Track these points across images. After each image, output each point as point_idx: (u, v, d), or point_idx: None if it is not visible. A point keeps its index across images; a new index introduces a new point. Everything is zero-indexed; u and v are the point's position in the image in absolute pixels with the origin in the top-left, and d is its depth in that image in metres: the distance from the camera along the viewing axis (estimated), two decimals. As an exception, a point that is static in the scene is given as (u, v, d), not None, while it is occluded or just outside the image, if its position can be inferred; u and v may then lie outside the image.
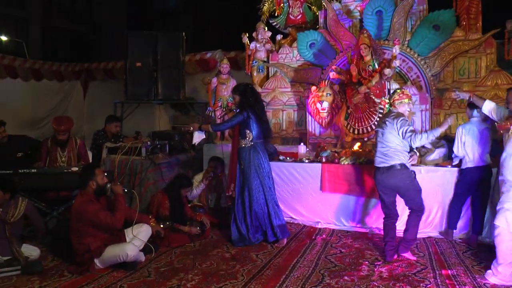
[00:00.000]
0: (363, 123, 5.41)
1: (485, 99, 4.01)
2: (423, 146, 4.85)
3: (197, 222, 4.73)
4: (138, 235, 3.93)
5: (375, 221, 4.89)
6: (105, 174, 4.06)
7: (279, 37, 7.03)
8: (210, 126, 4.68)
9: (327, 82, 5.89)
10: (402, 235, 4.14)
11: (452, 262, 3.93)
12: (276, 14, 7.18)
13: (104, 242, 3.74)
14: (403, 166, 3.91)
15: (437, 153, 4.91)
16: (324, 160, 5.22)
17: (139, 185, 5.28)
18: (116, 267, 3.75)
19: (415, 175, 4.10)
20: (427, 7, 5.97)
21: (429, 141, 3.99)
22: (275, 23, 7.21)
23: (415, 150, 4.08)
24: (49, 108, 9.88)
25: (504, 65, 5.64)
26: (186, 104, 8.96)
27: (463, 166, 4.49)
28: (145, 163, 5.35)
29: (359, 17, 6.26)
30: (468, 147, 4.38)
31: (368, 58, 5.32)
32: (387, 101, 5.21)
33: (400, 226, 4.46)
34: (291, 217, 5.33)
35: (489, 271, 3.54)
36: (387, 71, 5.20)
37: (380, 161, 4.00)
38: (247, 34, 6.65)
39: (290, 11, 6.92)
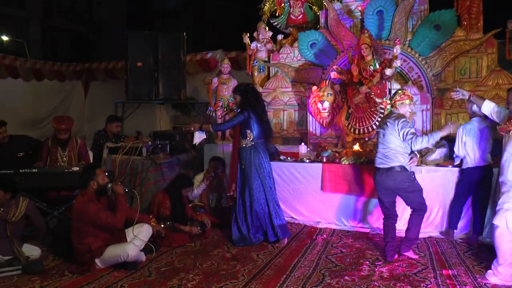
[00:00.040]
0: (364, 123, 5.41)
1: (484, 99, 3.98)
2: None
3: (198, 222, 4.73)
4: (139, 235, 3.93)
5: (376, 221, 4.88)
6: (106, 174, 4.06)
7: (280, 37, 7.03)
8: (211, 126, 4.68)
9: (328, 82, 5.89)
10: (403, 235, 4.15)
11: (453, 262, 3.93)
12: (277, 14, 7.17)
13: (105, 242, 3.74)
14: (402, 168, 3.91)
15: (438, 153, 4.91)
16: (324, 160, 5.22)
17: (140, 185, 5.28)
18: (117, 267, 3.76)
19: (415, 176, 4.10)
20: (428, 7, 5.97)
21: (429, 145, 3.99)
22: (276, 23, 7.21)
23: (415, 152, 4.07)
24: (50, 108, 9.88)
25: (505, 64, 5.63)
26: (187, 104, 8.96)
27: (464, 166, 4.49)
28: (146, 163, 5.35)
29: (360, 17, 6.26)
30: (469, 147, 4.38)
31: (369, 58, 5.31)
32: (388, 102, 5.21)
33: (402, 225, 4.47)
34: (292, 217, 5.33)
35: (489, 271, 3.54)
36: (388, 71, 5.19)
37: (380, 162, 4.00)
38: (248, 34, 6.65)
39: (291, 11, 6.92)
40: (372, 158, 4.46)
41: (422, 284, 3.45)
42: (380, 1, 5.88)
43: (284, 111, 6.50)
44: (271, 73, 6.84)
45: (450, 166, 4.71)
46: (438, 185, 4.70)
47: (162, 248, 4.31)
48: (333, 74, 5.73)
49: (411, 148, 3.89)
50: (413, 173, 4.09)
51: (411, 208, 4.06)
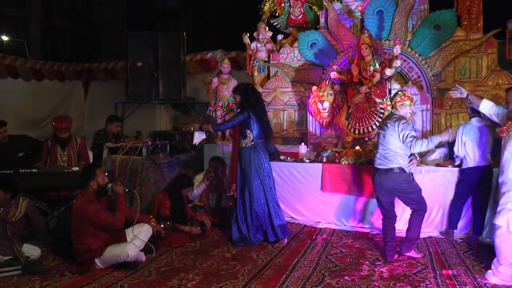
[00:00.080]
0: (363, 123, 5.41)
1: (482, 98, 3.96)
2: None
3: (197, 222, 4.73)
4: (139, 235, 3.93)
5: (376, 221, 4.88)
6: (106, 174, 4.06)
7: (280, 37, 7.02)
8: (211, 126, 4.68)
9: (328, 82, 5.89)
10: (403, 235, 4.15)
11: (453, 262, 3.93)
12: (277, 14, 7.17)
13: (105, 242, 3.74)
14: (401, 170, 3.91)
15: (438, 153, 4.91)
16: (324, 160, 5.22)
17: (140, 185, 5.28)
18: (117, 267, 3.76)
19: (413, 177, 4.10)
20: (428, 7, 5.96)
21: (428, 149, 4.00)
22: (276, 23, 7.21)
23: (415, 155, 4.07)
24: (50, 108, 9.88)
25: (505, 64, 5.63)
26: (187, 104, 8.96)
27: (464, 166, 4.50)
28: (146, 163, 5.35)
29: (360, 17, 6.25)
30: (469, 147, 4.38)
31: (369, 58, 5.31)
32: (388, 103, 5.21)
33: (402, 225, 4.47)
34: (292, 217, 5.34)
35: (489, 271, 3.54)
36: (388, 71, 5.19)
37: (380, 163, 4.00)
38: (248, 34, 6.65)
39: (291, 11, 6.92)
40: (372, 158, 4.46)
41: (422, 284, 3.45)
42: (380, 1, 5.88)
43: (284, 111, 6.50)
44: (271, 73, 6.84)
45: (450, 166, 4.71)
46: (438, 185, 4.70)
47: (162, 248, 4.31)
48: (333, 74, 5.73)
49: (410, 150, 3.90)
50: (412, 174, 4.09)
51: (411, 208, 4.06)
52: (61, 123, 5.16)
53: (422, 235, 4.49)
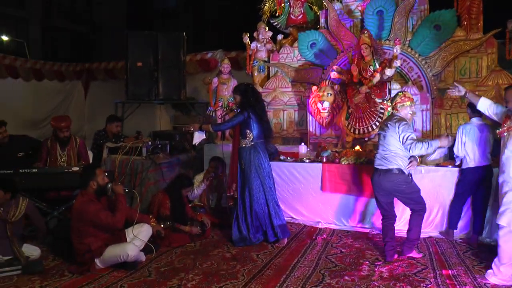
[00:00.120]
0: (363, 123, 5.41)
1: (480, 96, 3.95)
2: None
3: (197, 222, 4.73)
4: (139, 235, 3.93)
5: (376, 221, 4.88)
6: (106, 174, 4.06)
7: (280, 37, 7.02)
8: (211, 126, 4.68)
9: (328, 82, 5.89)
10: (404, 235, 4.14)
11: (453, 262, 3.93)
12: (277, 14, 7.17)
13: (105, 242, 3.74)
14: (400, 171, 3.91)
15: (438, 153, 4.91)
16: (324, 160, 5.22)
17: (140, 185, 5.28)
18: (117, 267, 3.76)
19: (412, 177, 4.11)
20: (428, 7, 5.96)
21: (427, 152, 4.00)
22: (276, 23, 7.21)
23: (415, 156, 4.07)
24: (50, 108, 9.88)
25: (505, 64, 5.63)
26: (187, 104, 8.96)
27: (464, 166, 4.50)
28: (146, 163, 5.35)
29: (360, 17, 6.25)
30: (469, 147, 4.38)
31: (369, 58, 5.31)
32: (389, 104, 5.21)
33: (402, 225, 4.47)
34: (292, 217, 5.33)
35: (489, 270, 3.54)
36: (388, 71, 5.19)
37: (379, 163, 4.01)
38: (248, 34, 6.65)
39: (291, 11, 6.92)
40: (372, 158, 4.46)
41: (422, 284, 3.45)
42: (380, 1, 5.88)
43: (284, 111, 6.50)
44: (271, 73, 6.84)
45: (450, 166, 4.71)
46: (438, 185, 4.70)
47: (162, 248, 4.31)
48: (333, 74, 5.74)
49: (409, 152, 3.90)
50: (410, 175, 4.09)
51: (410, 209, 4.06)
52: (61, 122, 5.16)
53: (422, 235, 4.49)
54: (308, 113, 6.13)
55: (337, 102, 5.85)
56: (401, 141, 3.84)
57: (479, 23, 5.71)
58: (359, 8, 6.26)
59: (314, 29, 6.49)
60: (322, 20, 6.54)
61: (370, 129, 5.36)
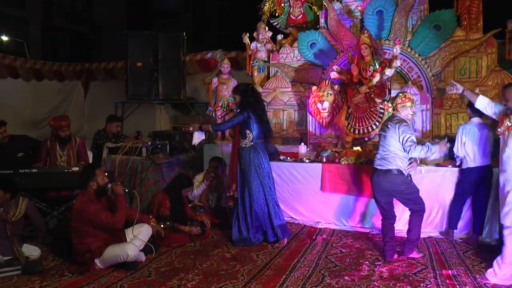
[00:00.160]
0: (363, 123, 5.41)
1: (478, 94, 3.94)
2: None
3: (197, 222, 4.73)
4: (139, 235, 3.93)
5: (376, 221, 4.88)
6: (106, 174, 4.06)
7: (279, 37, 7.02)
8: (211, 126, 4.67)
9: (328, 82, 5.89)
10: (403, 235, 4.14)
11: (453, 262, 3.93)
12: (276, 14, 7.17)
13: (105, 242, 3.74)
14: (399, 171, 3.92)
15: (438, 153, 4.90)
16: (324, 160, 5.22)
17: (140, 185, 5.28)
18: (117, 267, 3.76)
19: (411, 178, 4.11)
20: (428, 7, 5.96)
21: (426, 156, 4.02)
22: (275, 23, 7.21)
23: (416, 158, 4.07)
24: (50, 108, 9.89)
25: (505, 64, 5.63)
26: (186, 104, 8.96)
27: (464, 166, 4.49)
28: (146, 163, 5.35)
29: (360, 17, 6.25)
30: (468, 147, 4.38)
31: (369, 58, 5.31)
32: (389, 105, 5.21)
33: (402, 225, 4.47)
34: (292, 217, 5.33)
35: (490, 269, 3.53)
36: (388, 71, 5.19)
37: (379, 164, 4.01)
38: (247, 34, 6.65)
39: (291, 11, 6.92)
40: (371, 158, 4.46)
41: (422, 284, 3.45)
42: (380, 1, 5.88)
43: (284, 111, 6.50)
44: (271, 73, 6.84)
45: (450, 166, 4.71)
46: (437, 185, 4.70)
47: (161, 248, 4.31)
48: (333, 74, 5.73)
49: (408, 154, 3.90)
50: (410, 175, 4.09)
51: (409, 209, 4.07)
52: (61, 121, 5.16)
53: (422, 235, 4.49)
54: (308, 113, 6.13)
55: (337, 102, 5.85)
56: (401, 142, 3.85)
57: (479, 23, 5.71)
58: (359, 8, 6.26)
59: (314, 29, 6.48)
60: (322, 20, 6.54)
61: (370, 129, 5.36)
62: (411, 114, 4.09)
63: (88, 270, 3.69)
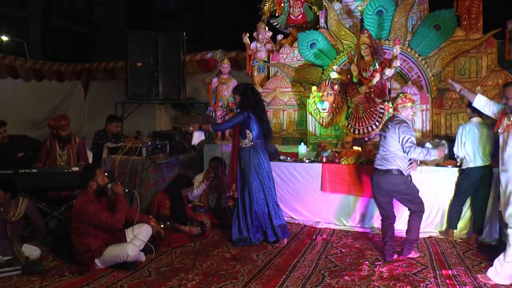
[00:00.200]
0: (363, 123, 5.40)
1: (476, 93, 3.93)
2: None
3: (197, 222, 4.73)
4: (139, 235, 3.93)
5: (376, 221, 4.88)
6: (106, 174, 4.06)
7: (279, 37, 7.03)
8: (211, 126, 4.67)
9: (328, 82, 5.88)
10: (403, 235, 4.14)
11: (453, 262, 3.93)
12: (276, 14, 7.18)
13: (105, 242, 3.74)
14: (399, 171, 3.93)
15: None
16: (324, 160, 5.22)
17: (140, 185, 5.28)
18: (117, 267, 3.75)
19: (411, 178, 4.12)
20: (428, 6, 5.97)
21: (424, 159, 4.03)
22: (275, 23, 7.21)
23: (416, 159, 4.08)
24: (50, 108, 9.89)
25: (505, 64, 5.63)
26: (186, 104, 8.97)
27: (464, 166, 4.49)
28: (146, 163, 5.35)
29: (359, 17, 6.26)
30: (468, 147, 4.38)
31: (368, 58, 5.31)
32: (390, 105, 5.21)
33: (402, 225, 4.47)
34: (292, 217, 5.33)
35: (491, 268, 3.51)
36: (388, 71, 5.19)
37: (379, 163, 4.02)
38: (247, 34, 6.65)
39: (290, 11, 6.92)
40: (371, 158, 4.46)
41: (422, 284, 3.45)
42: (380, 1, 5.88)
43: (284, 111, 6.50)
44: (271, 73, 6.85)
45: (450, 166, 4.71)
46: (437, 185, 4.69)
47: (161, 248, 4.31)
48: (333, 74, 5.73)
49: (407, 155, 3.91)
50: (410, 176, 4.09)
51: (408, 209, 4.07)
52: (60, 120, 5.16)
53: (422, 235, 4.50)
54: (308, 113, 6.13)
55: (337, 102, 5.84)
56: (400, 143, 3.86)
57: (479, 23, 5.71)
58: (359, 8, 6.26)
59: (314, 29, 6.49)
60: (322, 20, 6.55)
61: (370, 129, 5.35)
62: (411, 114, 4.10)
63: (88, 270, 3.68)
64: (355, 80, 5.43)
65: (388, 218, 4.06)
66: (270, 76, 6.81)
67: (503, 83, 5.34)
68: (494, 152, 4.25)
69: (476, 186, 4.42)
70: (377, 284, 3.46)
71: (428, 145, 4.91)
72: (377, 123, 5.26)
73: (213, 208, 5.37)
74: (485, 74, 5.61)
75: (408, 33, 5.91)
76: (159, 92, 8.01)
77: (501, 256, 3.48)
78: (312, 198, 5.24)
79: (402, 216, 4.58)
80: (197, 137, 4.66)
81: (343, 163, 5.09)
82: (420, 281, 3.50)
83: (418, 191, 4.04)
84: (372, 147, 5.30)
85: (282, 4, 7.02)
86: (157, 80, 7.97)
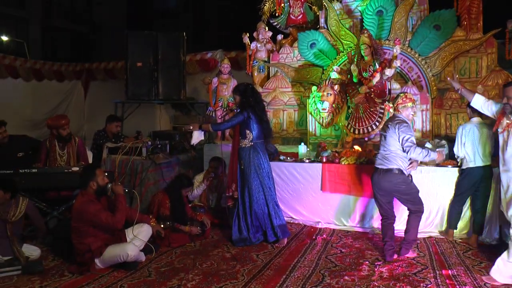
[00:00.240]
0: (363, 123, 5.40)
1: (474, 93, 3.93)
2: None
3: (197, 222, 4.73)
4: (139, 235, 3.93)
5: (376, 221, 4.88)
6: (106, 174, 4.06)
7: (279, 37, 7.03)
8: (211, 126, 4.67)
9: (328, 82, 5.88)
10: (403, 235, 4.14)
11: (453, 262, 3.93)
12: (276, 14, 7.17)
13: (105, 242, 3.74)
14: (400, 171, 3.93)
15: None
16: (324, 160, 5.22)
17: (140, 185, 5.28)
18: (117, 267, 3.76)
19: (412, 178, 4.12)
20: (428, 6, 5.96)
21: (423, 160, 4.04)
22: (275, 23, 7.21)
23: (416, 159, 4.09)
24: (50, 108, 9.89)
25: (505, 64, 5.63)
26: (186, 104, 8.97)
27: (464, 166, 4.49)
28: (146, 163, 5.35)
29: (359, 17, 6.25)
30: (468, 147, 4.38)
31: (369, 58, 5.31)
32: (390, 105, 5.21)
33: (402, 225, 4.47)
34: (292, 217, 5.33)
35: (494, 268, 3.49)
36: (388, 71, 5.19)
37: (380, 163, 4.02)
38: (247, 34, 6.65)
39: (290, 11, 6.92)
40: (371, 158, 4.46)
41: (422, 284, 3.45)
42: (380, 1, 5.88)
43: (284, 111, 6.50)
44: (271, 73, 6.84)
45: (450, 166, 4.71)
46: (437, 185, 4.69)
47: (161, 248, 4.31)
48: (333, 74, 5.73)
49: (406, 155, 3.91)
50: (410, 175, 4.10)
51: (408, 209, 4.07)
52: (60, 120, 5.16)
53: (422, 235, 4.50)
54: (308, 113, 6.13)
55: (337, 102, 5.84)
56: (400, 142, 3.87)
57: (479, 23, 5.71)
58: (359, 8, 6.26)
59: (314, 29, 6.49)
60: (322, 20, 6.55)
61: (370, 129, 5.35)
62: (412, 114, 4.11)
63: (88, 270, 3.69)
64: (355, 80, 5.43)
65: (388, 218, 4.07)
66: (270, 76, 6.81)
67: (503, 83, 5.35)
68: (494, 152, 4.26)
69: (476, 186, 4.42)
70: (377, 284, 3.46)
71: (428, 145, 4.92)
72: (377, 123, 5.26)
73: (213, 208, 5.37)
74: (485, 74, 5.61)
75: (408, 33, 5.91)
76: (159, 92, 8.01)
77: (504, 256, 3.46)
78: (312, 198, 5.24)
79: (402, 216, 4.58)
80: (197, 137, 4.66)
81: (343, 163, 5.10)
82: (420, 281, 3.50)
83: (418, 191, 4.04)
84: (372, 147, 5.30)
85: (282, 4, 7.02)
86: (157, 80, 7.97)
